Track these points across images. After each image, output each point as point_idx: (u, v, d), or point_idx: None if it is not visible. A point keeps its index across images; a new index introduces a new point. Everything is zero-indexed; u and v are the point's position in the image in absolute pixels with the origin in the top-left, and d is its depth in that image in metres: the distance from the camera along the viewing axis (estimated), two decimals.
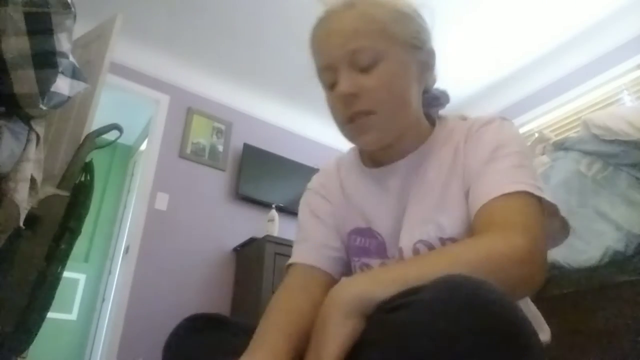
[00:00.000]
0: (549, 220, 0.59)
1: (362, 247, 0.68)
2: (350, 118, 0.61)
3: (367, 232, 0.68)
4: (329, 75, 0.63)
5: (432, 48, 0.66)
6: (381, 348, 0.38)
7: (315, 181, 0.79)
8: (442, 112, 0.73)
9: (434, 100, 0.70)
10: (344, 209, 0.71)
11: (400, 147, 0.66)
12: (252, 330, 0.58)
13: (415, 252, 0.60)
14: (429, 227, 0.60)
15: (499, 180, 0.55)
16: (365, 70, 0.59)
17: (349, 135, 0.64)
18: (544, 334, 0.65)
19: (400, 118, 0.62)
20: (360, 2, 0.62)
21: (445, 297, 0.37)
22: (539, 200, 0.55)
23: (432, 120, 0.70)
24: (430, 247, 0.59)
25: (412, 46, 0.62)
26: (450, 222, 0.59)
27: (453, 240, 0.59)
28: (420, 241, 0.60)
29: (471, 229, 0.57)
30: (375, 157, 0.70)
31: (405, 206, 0.64)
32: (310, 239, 0.71)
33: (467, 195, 0.59)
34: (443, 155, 0.64)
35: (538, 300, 1.32)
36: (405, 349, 0.36)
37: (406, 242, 0.62)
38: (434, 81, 0.70)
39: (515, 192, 0.53)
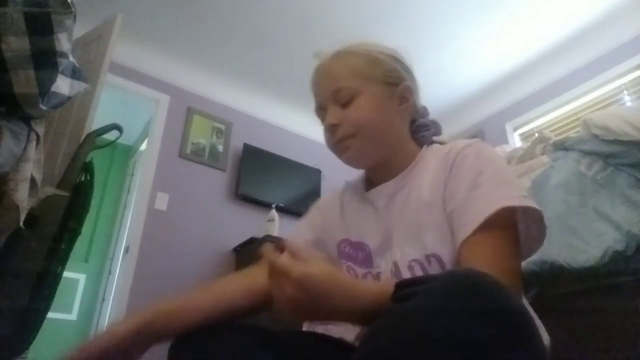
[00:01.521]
0: (529, 227, 0.63)
1: (350, 254, 0.77)
2: (336, 142, 0.74)
3: (356, 244, 0.77)
4: (321, 113, 0.78)
5: (409, 85, 0.77)
6: (391, 335, 0.41)
7: (321, 200, 0.92)
8: (440, 138, 0.82)
9: (422, 128, 0.81)
10: (338, 222, 0.82)
11: (388, 171, 0.76)
12: (257, 329, 0.62)
13: (410, 269, 0.68)
14: (418, 248, 0.67)
15: (480, 206, 0.60)
16: (345, 105, 0.73)
17: (337, 153, 0.76)
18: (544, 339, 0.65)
19: (379, 141, 0.74)
20: (342, 53, 0.77)
21: (451, 287, 0.40)
22: (515, 217, 0.61)
23: (421, 145, 0.80)
24: (422, 265, 0.66)
25: (386, 84, 0.75)
26: (432, 241, 0.66)
27: (435, 255, 0.65)
28: (414, 260, 0.67)
29: (457, 261, 0.62)
30: (371, 181, 0.80)
31: (392, 224, 0.72)
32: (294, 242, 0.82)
33: (448, 217, 0.65)
34: (425, 179, 0.71)
35: (538, 300, 1.32)
36: (413, 336, 0.38)
37: (400, 258, 0.69)
38: (421, 112, 0.82)
39: (495, 216, 0.58)
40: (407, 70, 0.78)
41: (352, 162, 0.77)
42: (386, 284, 0.62)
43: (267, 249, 0.55)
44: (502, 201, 0.58)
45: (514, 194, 0.60)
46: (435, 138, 0.81)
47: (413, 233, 0.68)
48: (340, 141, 0.74)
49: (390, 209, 0.74)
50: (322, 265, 0.53)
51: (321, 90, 0.77)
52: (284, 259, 0.52)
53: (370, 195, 0.78)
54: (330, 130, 0.74)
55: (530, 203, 0.60)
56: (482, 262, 0.56)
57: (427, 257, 0.65)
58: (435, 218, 0.66)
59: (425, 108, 0.83)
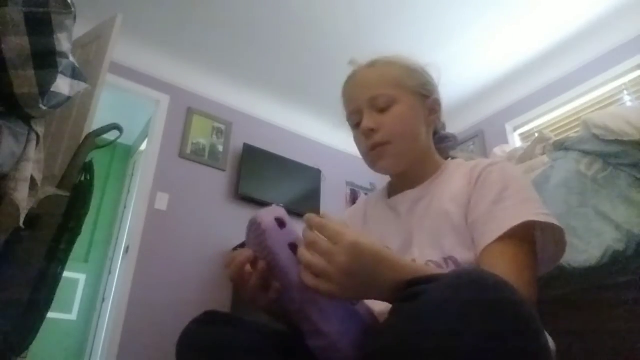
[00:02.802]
0: (546, 246, 0.66)
1: None
2: (371, 147, 0.77)
3: None
4: (355, 117, 0.80)
5: (438, 98, 0.82)
6: (398, 333, 0.41)
7: (347, 212, 0.95)
8: (453, 152, 0.89)
9: (444, 140, 0.87)
10: (361, 230, 0.86)
11: (414, 178, 0.80)
12: (265, 328, 0.63)
13: (427, 267, 0.69)
14: (436, 251, 0.69)
15: (504, 218, 0.62)
16: (382, 111, 0.76)
17: (371, 161, 0.79)
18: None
19: (411, 149, 0.78)
20: (379, 62, 0.80)
21: (458, 286, 0.40)
22: (534, 233, 0.64)
23: (444, 157, 0.85)
24: (439, 266, 0.69)
25: (420, 95, 0.79)
26: (450, 245, 0.68)
27: (452, 258, 0.67)
28: (431, 261, 0.70)
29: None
30: (394, 189, 0.85)
31: (413, 228, 0.75)
32: None
33: (470, 226, 0.68)
34: (447, 189, 0.74)
35: (538, 300, 1.31)
36: (421, 335, 0.38)
37: (418, 257, 0.72)
38: (442, 125, 0.87)
39: (518, 228, 0.60)
40: (435, 85, 0.83)
41: (386, 170, 0.79)
42: (427, 265, 0.66)
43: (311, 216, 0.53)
44: (527, 216, 0.61)
45: (538, 211, 0.62)
46: (462, 154, 0.87)
47: (433, 238, 0.71)
48: (374, 147, 0.76)
49: (412, 215, 0.77)
50: (371, 238, 0.52)
51: (357, 96, 0.79)
52: (336, 223, 0.50)
53: (393, 201, 0.82)
54: (367, 134, 0.76)
55: (554, 220, 0.62)
56: (500, 267, 0.58)
57: (445, 259, 0.68)
58: (454, 225, 0.69)
59: (444, 123, 0.88)
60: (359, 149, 0.81)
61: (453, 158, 0.85)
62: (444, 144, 0.87)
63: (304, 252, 0.50)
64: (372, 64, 0.80)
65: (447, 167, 0.80)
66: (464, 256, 0.66)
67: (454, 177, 0.76)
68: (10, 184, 1.09)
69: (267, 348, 0.61)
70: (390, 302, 0.49)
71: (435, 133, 0.85)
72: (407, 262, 0.56)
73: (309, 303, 0.52)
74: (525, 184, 0.68)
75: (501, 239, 0.60)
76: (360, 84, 0.80)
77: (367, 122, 0.76)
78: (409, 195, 0.79)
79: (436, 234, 0.71)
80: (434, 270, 0.52)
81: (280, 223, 0.55)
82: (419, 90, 0.79)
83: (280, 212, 0.56)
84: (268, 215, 0.55)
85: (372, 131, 0.76)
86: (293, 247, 0.53)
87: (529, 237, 0.63)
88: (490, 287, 0.40)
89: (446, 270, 0.66)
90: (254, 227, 0.56)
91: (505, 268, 0.57)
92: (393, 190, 0.85)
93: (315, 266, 0.48)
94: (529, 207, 0.63)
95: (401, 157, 0.77)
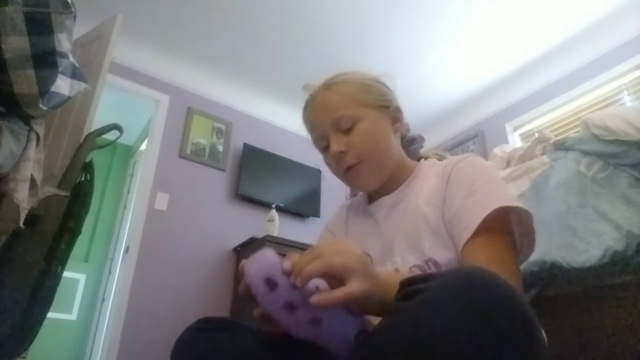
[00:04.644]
0: (522, 236, 0.67)
1: None
2: (345, 170, 0.77)
3: None
4: (322, 142, 0.80)
5: (398, 105, 0.83)
6: (396, 333, 0.40)
7: (330, 219, 0.96)
8: (424, 150, 0.90)
9: (412, 142, 0.89)
10: (344, 238, 0.87)
11: (389, 186, 0.80)
12: (260, 330, 0.62)
13: (412, 273, 0.69)
14: (417, 255, 0.70)
15: (477, 210, 0.63)
16: (347, 131, 0.76)
17: (349, 182, 0.80)
18: None
19: (385, 161, 0.78)
20: (334, 83, 0.80)
21: (455, 285, 0.39)
22: (509, 222, 0.64)
23: (415, 158, 0.87)
24: (422, 269, 0.69)
25: (380, 107, 0.79)
26: (429, 247, 0.69)
27: (432, 260, 0.68)
28: (415, 265, 0.70)
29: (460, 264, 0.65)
30: (373, 195, 0.85)
31: (392, 235, 0.76)
32: None
33: (447, 225, 0.68)
34: (422, 191, 0.76)
35: (538, 300, 1.32)
36: (418, 334, 0.38)
37: (402, 265, 0.72)
38: (407, 128, 0.88)
39: (492, 218, 0.61)
40: (392, 93, 0.84)
41: (364, 187, 0.81)
42: (411, 272, 0.67)
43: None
44: (495, 203, 0.62)
45: (506, 197, 0.64)
46: (434, 152, 0.88)
47: (412, 242, 0.72)
48: (349, 169, 0.76)
49: (390, 221, 0.78)
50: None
51: (320, 121, 0.79)
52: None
53: (371, 208, 0.83)
54: (337, 157, 0.76)
55: (521, 204, 0.63)
56: (481, 263, 0.58)
57: (426, 261, 0.69)
58: (431, 226, 0.70)
59: (407, 125, 0.89)
60: (332, 172, 0.81)
61: (425, 158, 0.85)
62: (413, 146, 0.88)
63: (314, 262, 0.47)
64: (328, 86, 0.80)
65: (420, 169, 0.81)
66: (443, 257, 0.67)
67: (427, 178, 0.77)
68: (10, 184, 1.09)
69: (264, 353, 0.61)
70: (380, 316, 0.49)
71: (402, 137, 0.86)
72: (394, 278, 0.55)
73: (312, 336, 0.51)
74: (492, 175, 0.69)
75: (478, 233, 0.61)
76: (321, 107, 0.80)
77: (336, 145, 0.76)
78: (384, 201, 0.80)
79: (415, 237, 0.71)
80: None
81: (271, 284, 0.49)
82: (379, 103, 0.79)
83: (269, 265, 0.50)
84: (256, 275, 0.49)
85: (342, 153, 0.76)
86: (289, 306, 0.49)
87: (505, 227, 0.63)
88: (487, 284, 0.39)
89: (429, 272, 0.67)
90: (244, 278, 0.51)
91: (487, 263, 0.58)
92: (371, 196, 0.86)
93: (337, 263, 0.46)
94: (497, 194, 0.64)
95: (378, 172, 0.78)
